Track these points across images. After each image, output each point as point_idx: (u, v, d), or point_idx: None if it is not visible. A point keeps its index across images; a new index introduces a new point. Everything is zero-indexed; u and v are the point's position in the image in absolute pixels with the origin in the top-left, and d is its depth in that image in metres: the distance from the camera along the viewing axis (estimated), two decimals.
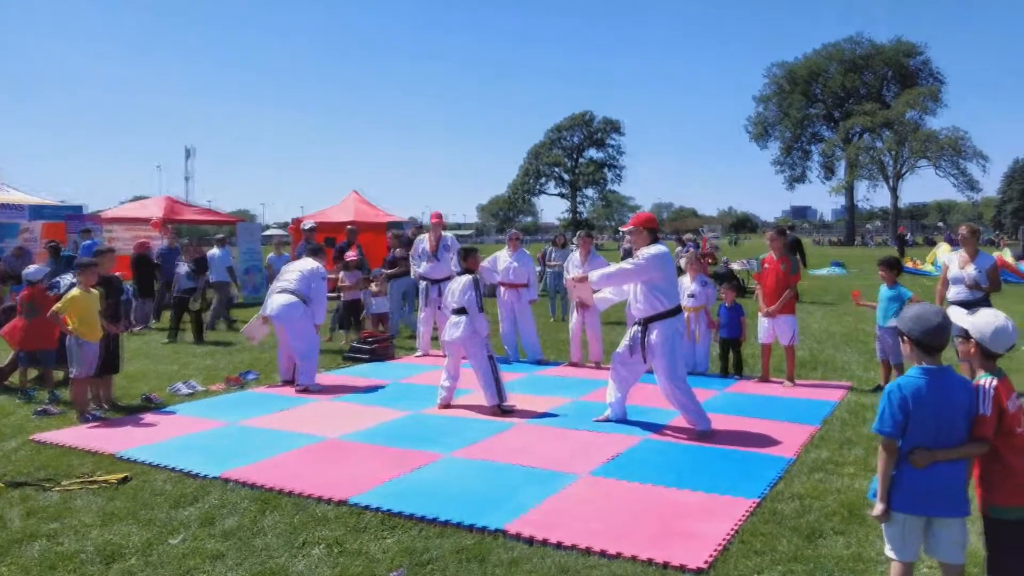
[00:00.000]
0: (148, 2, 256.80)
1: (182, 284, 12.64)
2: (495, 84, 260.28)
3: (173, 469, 5.74)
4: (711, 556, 4.05)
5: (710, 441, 6.31)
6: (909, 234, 57.51)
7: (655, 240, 6.69)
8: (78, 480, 5.53)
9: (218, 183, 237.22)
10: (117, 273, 10.53)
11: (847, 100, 76.23)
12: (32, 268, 8.82)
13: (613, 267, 6.97)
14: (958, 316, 3.28)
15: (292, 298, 8.62)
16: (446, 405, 7.65)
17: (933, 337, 3.10)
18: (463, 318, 7.46)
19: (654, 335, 6.46)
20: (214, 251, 14.65)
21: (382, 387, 8.68)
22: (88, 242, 15.35)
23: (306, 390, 8.43)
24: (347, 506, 4.93)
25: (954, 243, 34.61)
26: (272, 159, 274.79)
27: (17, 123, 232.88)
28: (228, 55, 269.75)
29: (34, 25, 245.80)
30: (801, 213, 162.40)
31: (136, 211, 20.47)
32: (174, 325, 12.58)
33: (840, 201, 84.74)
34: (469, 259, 7.81)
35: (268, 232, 47.21)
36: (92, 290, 7.46)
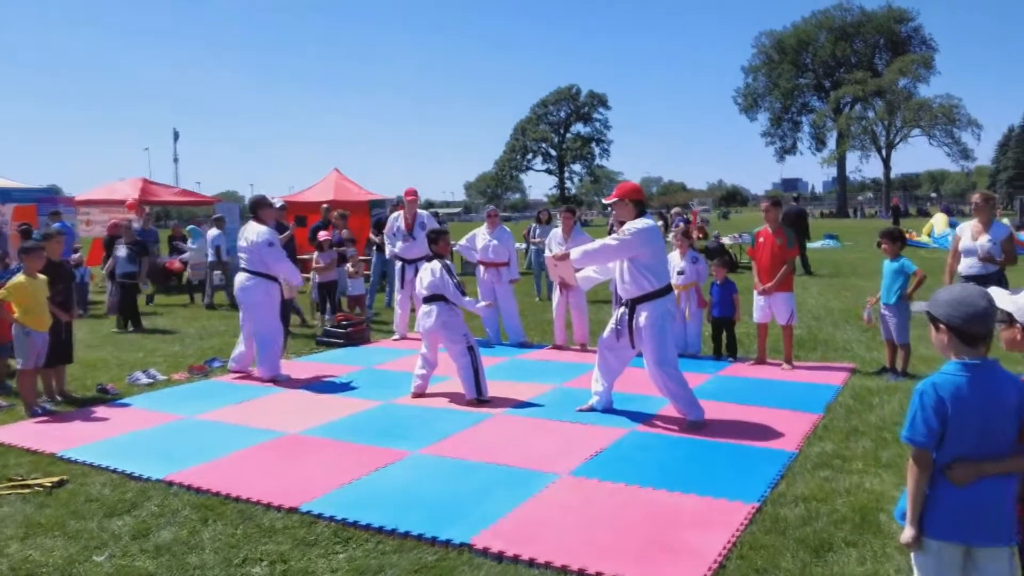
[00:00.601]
0: None
1: (122, 268, 11.68)
2: (482, 59, 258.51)
3: (114, 471, 5.28)
4: None
5: (703, 432, 5.78)
6: (902, 205, 56.94)
7: (642, 213, 6.09)
8: (9, 484, 5.08)
9: (207, 164, 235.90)
10: (78, 254, 9.99)
11: (837, 69, 75.34)
12: None
13: (596, 243, 6.38)
14: (999, 297, 2.71)
15: (250, 278, 8.00)
16: (420, 394, 7.13)
17: (977, 324, 2.51)
18: (434, 307, 6.93)
19: (642, 318, 5.90)
20: (213, 231, 14.32)
21: (354, 374, 8.14)
22: (58, 224, 14.81)
23: (273, 380, 7.88)
24: (298, 515, 4.43)
25: (951, 213, 34.22)
26: (260, 139, 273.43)
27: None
28: (216, 35, 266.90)
29: (16, 7, 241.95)
30: (791, 185, 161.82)
31: (110, 193, 19.76)
32: (125, 312, 11.73)
33: (831, 173, 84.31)
34: (439, 243, 7.22)
35: None
36: (39, 275, 6.98)
